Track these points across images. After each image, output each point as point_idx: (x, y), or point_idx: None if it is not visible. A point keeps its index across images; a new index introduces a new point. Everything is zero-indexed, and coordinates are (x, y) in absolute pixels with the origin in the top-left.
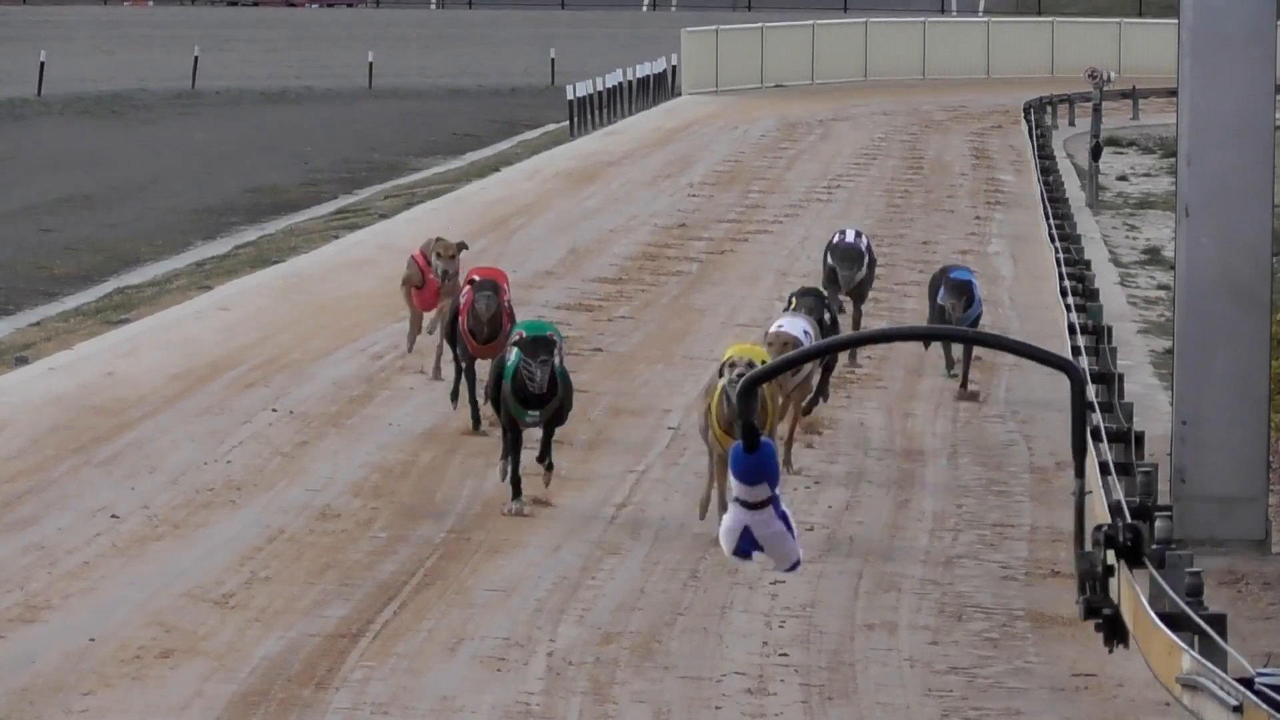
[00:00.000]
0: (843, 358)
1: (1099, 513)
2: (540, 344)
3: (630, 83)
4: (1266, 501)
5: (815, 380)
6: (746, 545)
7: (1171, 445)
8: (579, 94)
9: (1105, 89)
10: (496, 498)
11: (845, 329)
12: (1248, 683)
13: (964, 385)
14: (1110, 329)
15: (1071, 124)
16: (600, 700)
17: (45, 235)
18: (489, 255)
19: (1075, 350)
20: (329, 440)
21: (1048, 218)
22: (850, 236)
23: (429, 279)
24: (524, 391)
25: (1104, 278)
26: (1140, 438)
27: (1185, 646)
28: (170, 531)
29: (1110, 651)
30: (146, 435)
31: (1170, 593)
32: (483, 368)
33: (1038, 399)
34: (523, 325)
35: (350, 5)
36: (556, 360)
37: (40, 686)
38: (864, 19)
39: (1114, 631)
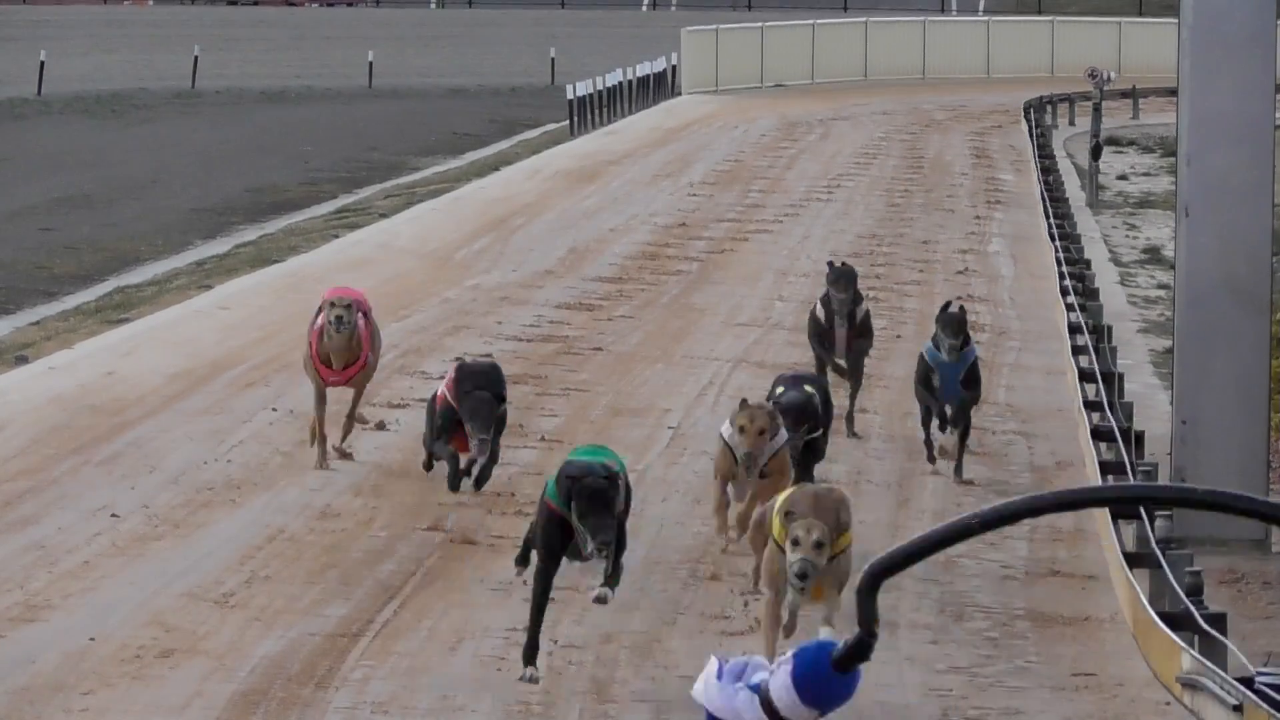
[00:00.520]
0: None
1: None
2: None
3: (630, 82)
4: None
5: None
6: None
7: (1171, 445)
8: (579, 94)
9: (1105, 89)
10: (496, 498)
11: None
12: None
13: (958, 471)
14: (1110, 329)
15: (1071, 124)
16: (600, 700)
17: (45, 235)
18: (489, 255)
19: (1075, 350)
20: (329, 440)
21: (1048, 217)
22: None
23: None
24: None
25: (1104, 277)
26: (1140, 438)
27: (1185, 646)
28: (170, 531)
29: None
30: (146, 435)
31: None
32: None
33: (1038, 399)
34: (582, 452)
35: (350, 5)
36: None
37: (40, 686)
38: (864, 19)
39: None
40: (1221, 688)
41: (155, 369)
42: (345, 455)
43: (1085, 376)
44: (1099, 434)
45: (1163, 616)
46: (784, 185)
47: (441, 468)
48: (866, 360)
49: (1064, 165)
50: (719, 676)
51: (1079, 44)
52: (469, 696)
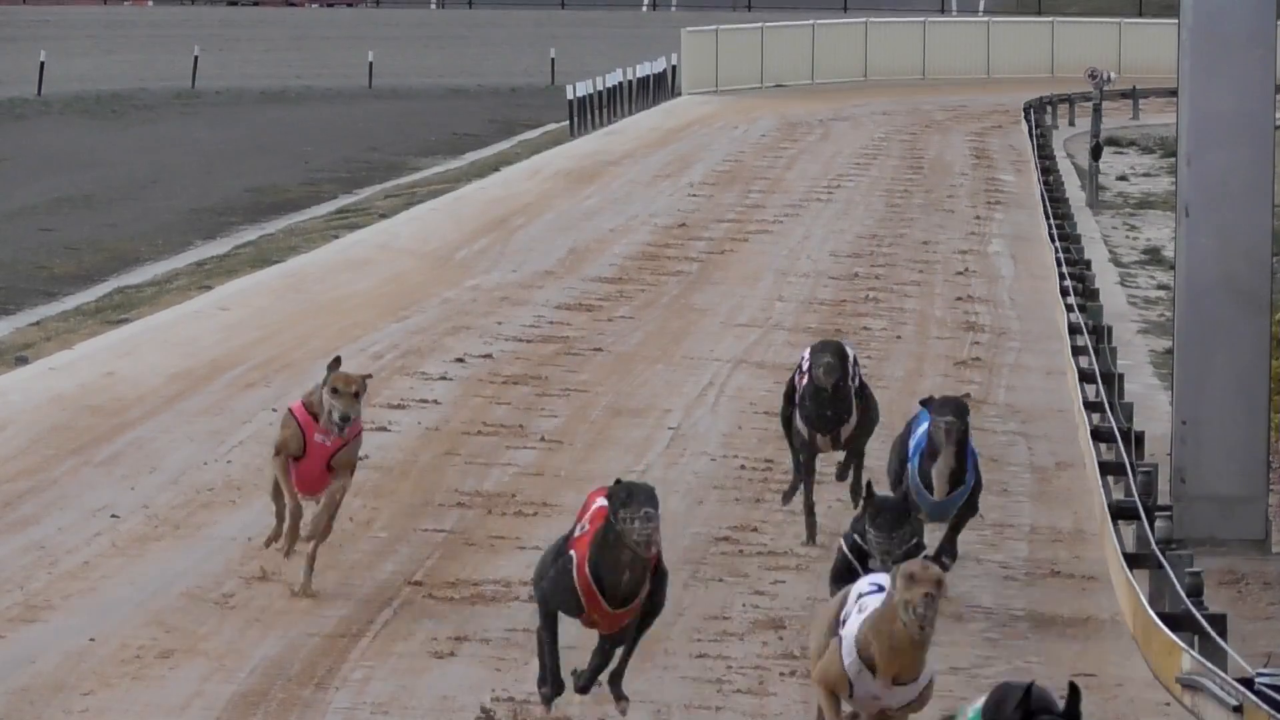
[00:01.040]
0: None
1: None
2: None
3: (630, 83)
4: (1266, 501)
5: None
6: None
7: (1171, 445)
8: (579, 94)
9: (1105, 89)
10: (496, 498)
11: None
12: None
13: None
14: (1110, 329)
15: (1071, 124)
16: (600, 700)
17: (45, 235)
18: (489, 255)
19: (1075, 350)
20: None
21: (1048, 217)
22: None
23: (313, 443)
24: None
25: (1104, 278)
26: (1140, 438)
27: (1185, 646)
28: (170, 531)
29: None
30: (146, 435)
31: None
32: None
33: (1038, 399)
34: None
35: (350, 5)
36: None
37: (40, 686)
38: (864, 19)
39: None
40: (1221, 688)
41: (155, 369)
42: (308, 593)
43: (1085, 377)
44: (1099, 434)
45: (1163, 617)
46: (784, 185)
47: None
48: (866, 360)
49: (1064, 165)
50: None
51: (1079, 44)
52: (469, 697)
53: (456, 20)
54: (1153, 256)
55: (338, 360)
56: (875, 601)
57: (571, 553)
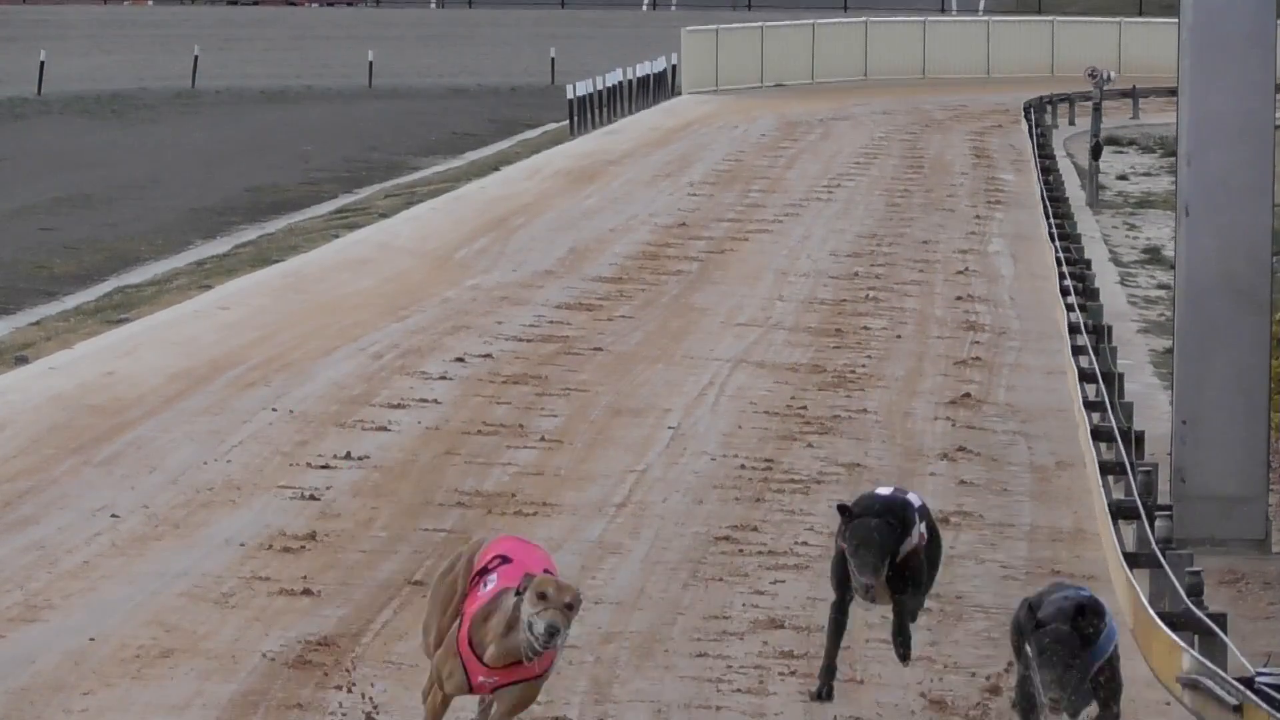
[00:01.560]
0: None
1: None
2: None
3: (630, 82)
4: (1266, 501)
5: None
6: None
7: (1171, 445)
8: (579, 93)
9: (1105, 88)
10: (496, 498)
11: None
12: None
13: None
14: (1110, 329)
15: (1071, 123)
16: (600, 700)
17: (45, 235)
18: (489, 255)
19: (1075, 350)
20: (329, 440)
21: (1048, 217)
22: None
23: (477, 672)
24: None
25: (1104, 277)
26: (1140, 438)
27: (1185, 646)
28: (170, 531)
29: None
30: (146, 435)
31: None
32: None
33: (1038, 399)
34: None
35: (350, 5)
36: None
37: (40, 686)
38: (864, 19)
39: None
40: (1221, 688)
41: (155, 369)
42: None
43: (1085, 376)
44: (1099, 434)
45: (1163, 616)
46: (784, 185)
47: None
48: (866, 360)
49: (1064, 165)
50: None
51: (1079, 44)
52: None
53: (456, 20)
54: (1153, 256)
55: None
56: None
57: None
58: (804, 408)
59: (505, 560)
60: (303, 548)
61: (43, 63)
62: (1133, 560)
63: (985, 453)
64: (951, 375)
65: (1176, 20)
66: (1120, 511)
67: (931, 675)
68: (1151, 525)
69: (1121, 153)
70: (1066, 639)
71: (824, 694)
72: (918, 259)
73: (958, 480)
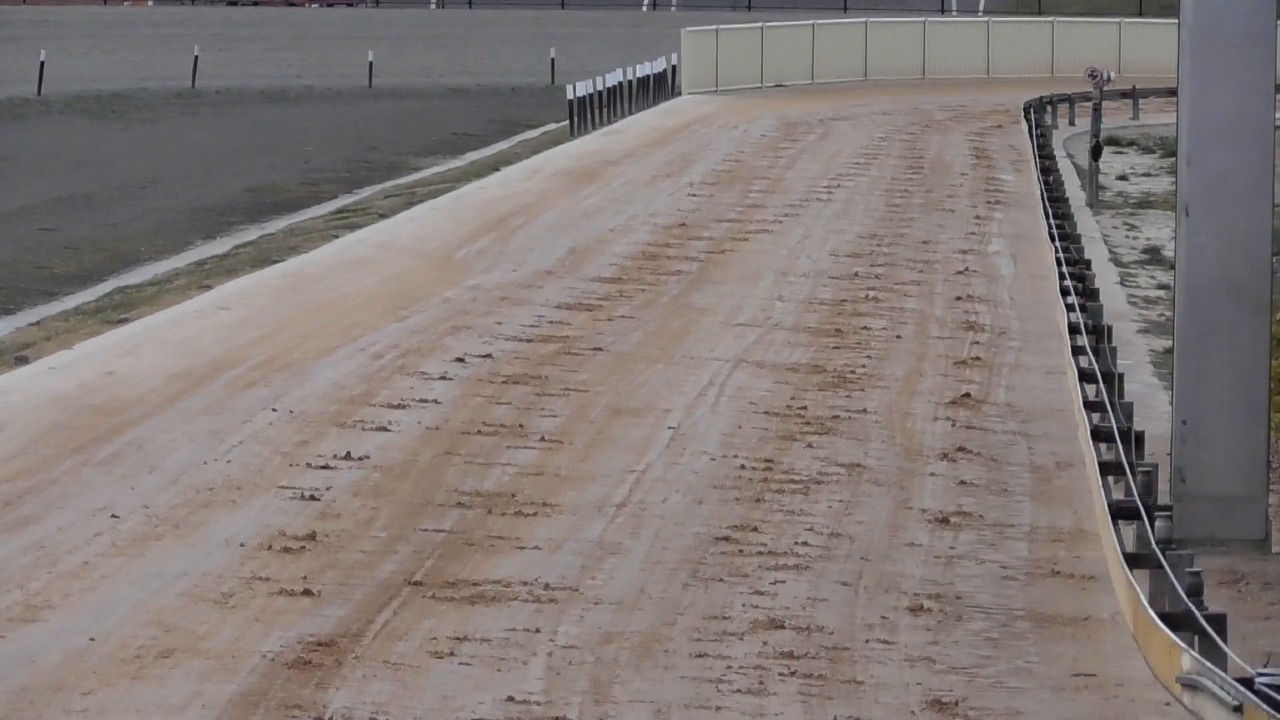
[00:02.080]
0: None
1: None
2: None
3: (630, 82)
4: (1266, 501)
5: None
6: None
7: (1171, 445)
8: (579, 94)
9: (1105, 89)
10: (496, 498)
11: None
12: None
13: None
14: (1110, 329)
15: (1071, 124)
16: (600, 700)
17: (45, 235)
18: (489, 255)
19: (1075, 350)
20: (329, 440)
21: (1048, 217)
22: None
23: None
24: None
25: (1104, 277)
26: (1140, 438)
27: (1185, 646)
28: (170, 531)
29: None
30: (146, 435)
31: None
32: None
33: (1038, 399)
34: None
35: (350, 5)
36: None
37: (40, 686)
38: (864, 19)
39: None
40: (1221, 688)
41: (155, 369)
42: None
43: (1085, 376)
44: (1099, 434)
45: (1163, 616)
46: (784, 185)
47: None
48: (866, 360)
49: (1064, 165)
50: None
51: (1079, 44)
52: (469, 697)
53: (456, 20)
54: (1153, 256)
55: None
56: None
57: None
58: (804, 408)
59: None
60: (303, 548)
61: (43, 63)
62: (1133, 560)
63: (985, 453)
64: (951, 375)
65: (1176, 20)
66: (1120, 511)
67: (932, 675)
68: (1151, 525)
69: (1121, 153)
70: None
71: None
72: (918, 259)
73: (958, 480)
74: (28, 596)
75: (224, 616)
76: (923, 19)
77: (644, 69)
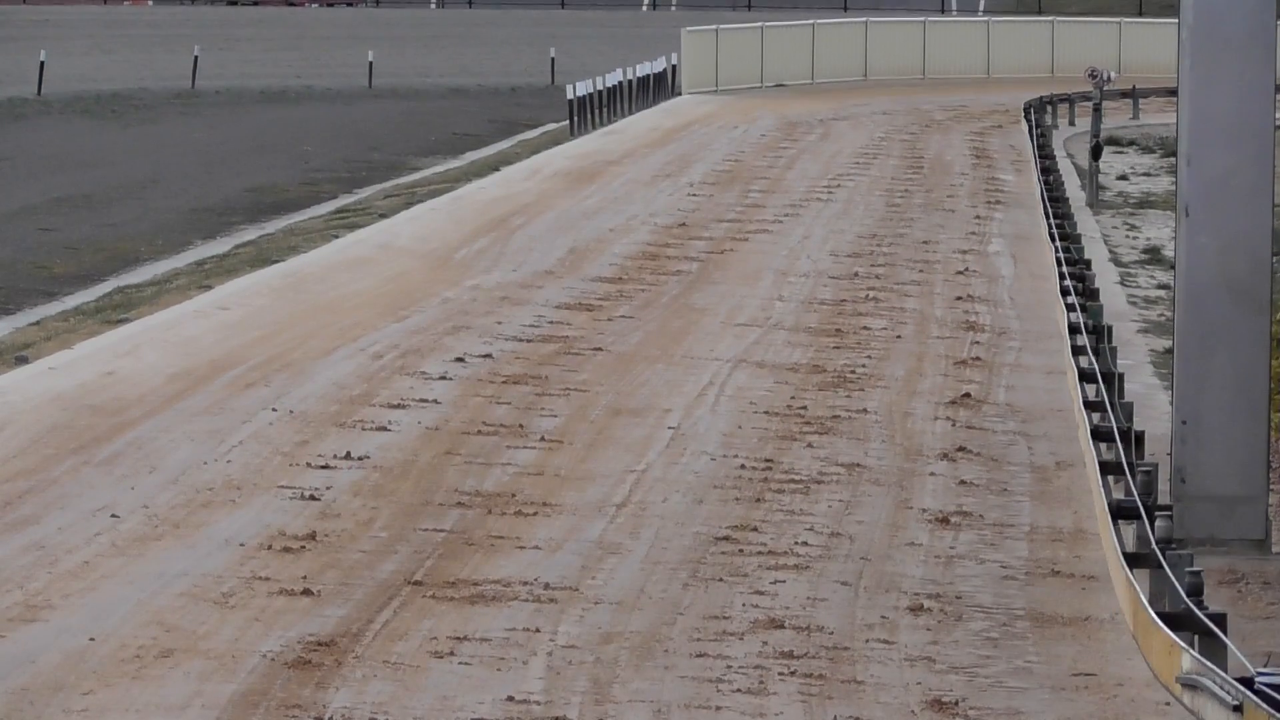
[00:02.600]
0: None
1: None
2: None
3: (630, 82)
4: (1266, 501)
5: None
6: None
7: (1171, 445)
8: (579, 94)
9: (1105, 89)
10: (496, 498)
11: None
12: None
13: None
14: (1110, 329)
15: (1071, 124)
16: (600, 700)
17: (45, 235)
18: (489, 255)
19: (1075, 350)
20: (329, 440)
21: (1048, 217)
22: None
23: None
24: None
25: (1104, 277)
26: (1140, 438)
27: (1185, 646)
28: (170, 531)
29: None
30: (146, 435)
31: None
32: None
33: (1038, 399)
34: None
35: (350, 5)
36: None
37: (40, 686)
38: (864, 19)
39: None
40: (1221, 688)
41: (155, 369)
42: None
43: (1085, 376)
44: (1099, 434)
45: (1163, 616)
46: (784, 185)
47: None
48: (866, 360)
49: (1064, 165)
50: None
51: (1079, 44)
52: (469, 697)
53: (456, 20)
54: (1153, 256)
55: None
56: None
57: None
58: (804, 408)
59: None
60: (303, 548)
61: (43, 63)
62: (1133, 560)
63: (985, 453)
64: (951, 375)
65: (1176, 20)
66: (1120, 511)
67: (932, 675)
68: (1151, 525)
69: (1121, 153)
70: None
71: None
72: (918, 259)
73: (958, 480)
74: (28, 596)
75: (224, 616)
76: (923, 19)
77: (644, 69)
